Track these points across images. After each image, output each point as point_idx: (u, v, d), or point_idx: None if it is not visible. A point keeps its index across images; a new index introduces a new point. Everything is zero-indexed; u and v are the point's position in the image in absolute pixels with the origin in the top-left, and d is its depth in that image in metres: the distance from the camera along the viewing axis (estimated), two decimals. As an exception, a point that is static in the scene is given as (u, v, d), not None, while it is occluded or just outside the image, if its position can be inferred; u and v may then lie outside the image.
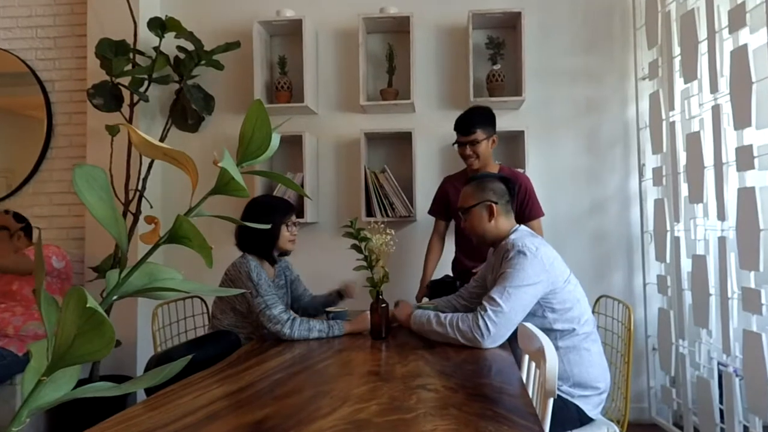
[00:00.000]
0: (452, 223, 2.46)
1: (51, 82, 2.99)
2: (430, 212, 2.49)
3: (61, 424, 2.42)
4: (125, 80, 2.59)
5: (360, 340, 1.70)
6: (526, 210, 2.25)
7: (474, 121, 2.20)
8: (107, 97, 2.56)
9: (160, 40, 2.59)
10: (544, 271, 1.55)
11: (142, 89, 2.61)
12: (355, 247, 1.72)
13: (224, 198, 2.52)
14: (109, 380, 2.53)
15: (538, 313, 1.58)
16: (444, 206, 2.41)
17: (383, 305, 1.71)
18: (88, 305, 0.33)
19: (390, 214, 2.67)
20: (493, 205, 1.70)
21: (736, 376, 1.97)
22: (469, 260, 2.29)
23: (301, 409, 1.04)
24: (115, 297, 0.43)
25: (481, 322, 1.48)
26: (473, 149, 2.21)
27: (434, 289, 2.31)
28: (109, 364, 2.62)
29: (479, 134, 2.19)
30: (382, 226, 1.73)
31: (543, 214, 2.31)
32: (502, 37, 2.74)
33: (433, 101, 2.85)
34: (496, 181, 1.77)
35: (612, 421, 1.65)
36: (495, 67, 2.70)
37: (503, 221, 1.72)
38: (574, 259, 2.67)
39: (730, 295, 1.99)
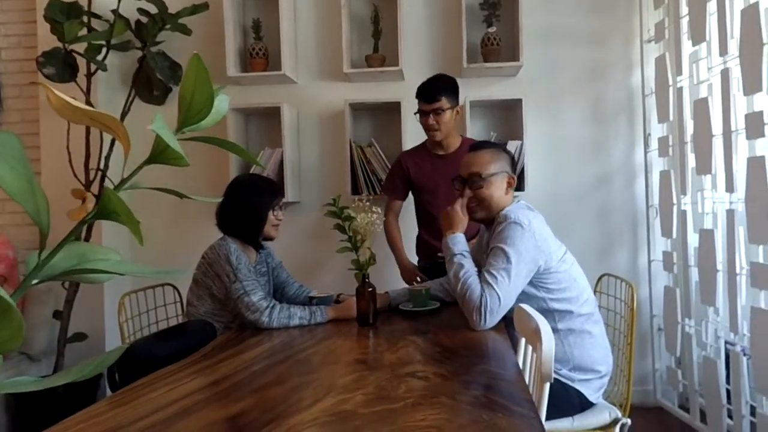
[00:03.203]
0: (408, 202, 2.43)
1: (-3, 50, 2.89)
2: (386, 190, 2.43)
3: (24, 422, 2.41)
4: (81, 47, 2.50)
5: (346, 327, 1.69)
6: None
7: (439, 88, 2.16)
8: (60, 66, 2.47)
9: (119, 2, 2.50)
10: (536, 246, 1.56)
11: (99, 57, 2.53)
12: (338, 226, 1.70)
13: (204, 176, 2.45)
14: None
15: (533, 293, 1.59)
16: (404, 183, 2.36)
17: (370, 289, 1.70)
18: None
19: (378, 191, 2.65)
20: (513, 178, 1.70)
21: (744, 355, 2.01)
22: (438, 240, 2.29)
23: (282, 401, 1.03)
24: (35, 281, 0.40)
25: (482, 308, 1.50)
26: (437, 119, 2.17)
27: (429, 271, 2.30)
28: (75, 360, 2.60)
29: (444, 102, 2.16)
30: (368, 204, 1.71)
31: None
32: (498, -4, 2.69)
33: (424, 68, 2.80)
34: (506, 151, 1.78)
35: (614, 404, 1.68)
36: (490, 30, 2.66)
37: (510, 197, 1.72)
38: (576, 236, 2.69)
39: (738, 271, 2.02)
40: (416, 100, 2.23)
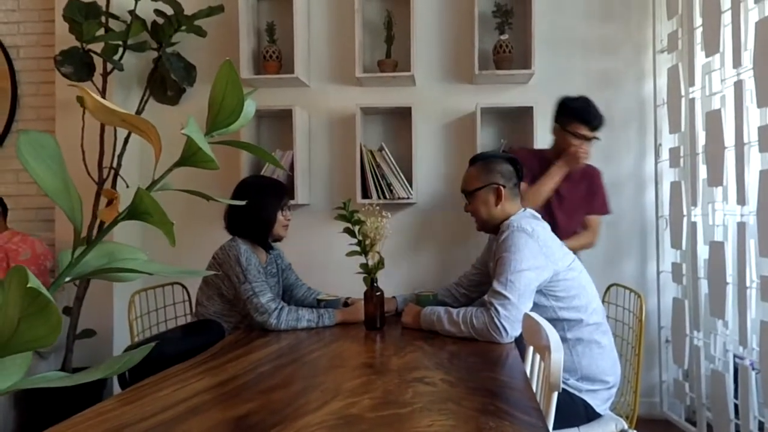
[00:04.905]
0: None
1: (15, 48, 2.92)
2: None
3: (31, 418, 2.43)
4: (98, 47, 2.53)
5: (353, 331, 1.69)
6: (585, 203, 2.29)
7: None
8: (77, 64, 2.50)
9: (136, 3, 2.52)
10: (541, 253, 1.56)
11: (116, 57, 2.55)
12: (347, 230, 1.71)
13: (214, 177, 2.47)
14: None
15: (542, 302, 1.58)
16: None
17: (378, 293, 1.70)
18: (29, 285, 0.31)
19: (387, 196, 2.65)
20: (501, 188, 1.69)
21: (753, 369, 1.99)
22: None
23: (289, 403, 1.03)
24: (68, 278, 0.41)
25: (496, 320, 1.49)
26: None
27: None
28: (83, 356, 2.61)
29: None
30: (378, 208, 1.71)
31: (607, 212, 2.35)
32: (511, 5, 2.69)
33: (435, 74, 2.81)
34: (503, 162, 1.76)
35: (620, 416, 1.67)
36: (502, 38, 2.66)
37: (509, 205, 1.71)
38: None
39: (748, 284, 1.99)
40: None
